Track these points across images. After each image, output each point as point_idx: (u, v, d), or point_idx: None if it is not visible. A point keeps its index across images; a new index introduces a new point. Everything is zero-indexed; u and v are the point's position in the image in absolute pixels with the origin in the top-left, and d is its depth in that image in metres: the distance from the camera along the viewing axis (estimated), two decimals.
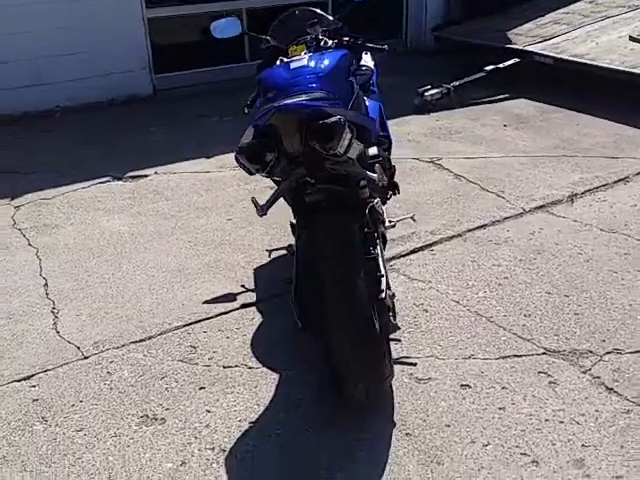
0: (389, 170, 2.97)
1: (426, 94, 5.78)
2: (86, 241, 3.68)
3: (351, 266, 2.14)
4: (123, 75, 6.18)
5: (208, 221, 3.82)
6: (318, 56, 2.71)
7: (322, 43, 2.99)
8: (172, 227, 3.78)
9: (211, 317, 2.92)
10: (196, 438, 2.24)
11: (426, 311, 2.94)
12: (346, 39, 3.10)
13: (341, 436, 2.24)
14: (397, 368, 2.52)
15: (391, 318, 2.39)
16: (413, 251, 3.46)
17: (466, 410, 2.34)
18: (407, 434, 2.24)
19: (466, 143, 5.03)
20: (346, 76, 2.73)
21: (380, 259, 2.44)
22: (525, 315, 2.88)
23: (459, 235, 3.62)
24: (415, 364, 2.58)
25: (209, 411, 2.36)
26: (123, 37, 6.11)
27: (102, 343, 2.77)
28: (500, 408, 2.34)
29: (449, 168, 4.55)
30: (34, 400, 2.45)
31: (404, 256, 3.42)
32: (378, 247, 2.49)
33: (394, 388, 2.44)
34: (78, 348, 2.75)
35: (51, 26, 5.79)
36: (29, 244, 3.67)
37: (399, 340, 2.71)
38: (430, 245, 3.52)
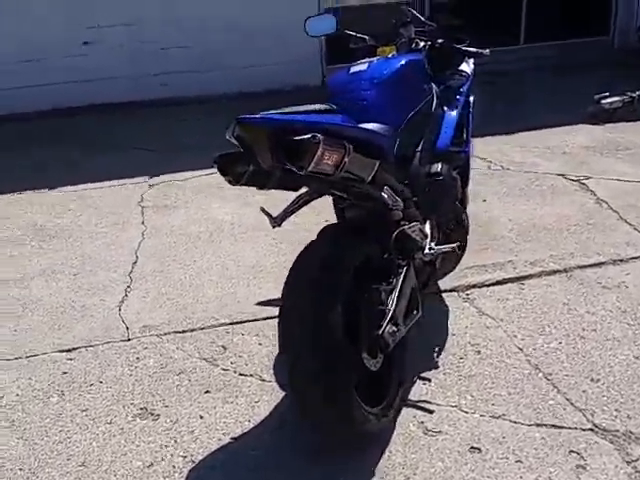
0: (458, 190, 2.68)
1: (603, 102, 5.14)
2: (190, 226, 3.84)
3: (318, 293, 1.95)
4: (293, 64, 6.31)
5: (302, 220, 3.77)
6: (381, 61, 2.53)
7: (414, 45, 2.78)
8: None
9: (255, 320, 2.89)
10: (175, 442, 2.23)
11: (478, 353, 2.62)
12: (440, 41, 2.84)
13: (313, 468, 2.09)
14: (410, 412, 2.30)
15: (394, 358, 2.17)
16: (500, 282, 3.10)
17: (460, 478, 2.05)
18: None
19: (629, 163, 4.38)
20: (411, 83, 2.50)
21: (397, 291, 2.20)
22: (592, 379, 2.44)
23: (564, 271, 3.16)
24: (432, 412, 2.31)
25: (201, 417, 2.34)
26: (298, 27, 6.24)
27: (149, 328, 2.88)
28: None
29: (594, 190, 4.00)
30: (63, 373, 2.62)
31: (487, 286, 3.08)
32: (402, 276, 2.25)
33: (396, 433, 2.22)
34: (127, 329, 2.88)
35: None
36: (142, 222, 3.93)
37: (429, 380, 2.46)
38: (523, 278, 3.12)
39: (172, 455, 2.18)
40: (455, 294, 3.03)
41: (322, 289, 1.94)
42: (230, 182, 1.87)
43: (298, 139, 1.74)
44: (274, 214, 2.28)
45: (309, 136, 1.75)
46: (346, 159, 1.90)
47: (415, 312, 2.37)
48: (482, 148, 4.85)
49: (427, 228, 2.49)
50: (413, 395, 2.40)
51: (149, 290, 3.19)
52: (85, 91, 6.18)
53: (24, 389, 2.53)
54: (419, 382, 2.46)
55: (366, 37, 2.97)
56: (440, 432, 2.23)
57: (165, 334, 2.83)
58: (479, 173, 4.41)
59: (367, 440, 2.17)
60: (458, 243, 2.65)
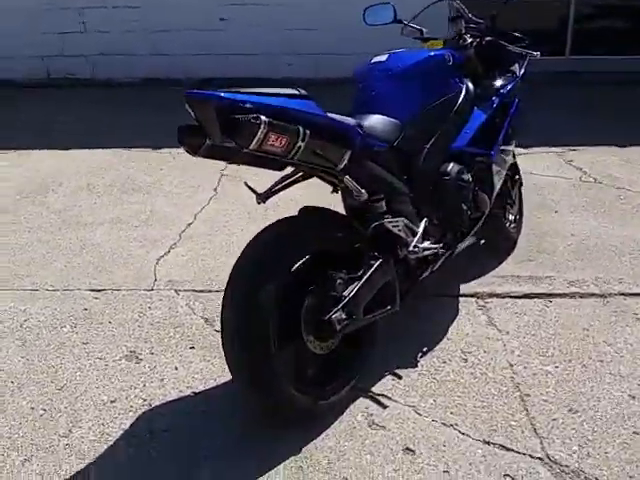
0: (468, 193, 2.60)
1: None
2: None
3: (251, 277, 2.00)
4: None
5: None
6: (401, 54, 2.52)
7: (461, 41, 2.73)
8: None
9: None
10: (144, 386, 2.41)
11: (465, 360, 2.54)
12: (488, 39, 2.76)
13: (248, 437, 2.17)
14: (364, 403, 2.31)
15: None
16: (526, 295, 2.95)
17: (381, 474, 2.03)
18: (300, 467, 2.07)
19: None
20: (428, 78, 2.47)
21: (362, 281, 2.20)
22: (570, 410, 2.28)
23: (602, 295, 2.94)
24: (386, 407, 2.30)
25: (176, 368, 2.50)
26: None
27: (172, 283, 3.09)
28: None
29: None
30: (84, 309, 2.90)
31: (511, 297, 2.94)
32: (372, 268, 2.24)
33: (340, 419, 2.24)
34: (154, 281, 3.12)
35: None
36: (214, 189, 4.18)
37: (399, 377, 2.44)
38: (553, 295, 2.95)
39: (135, 397, 2.36)
40: (473, 300, 2.93)
41: (255, 274, 2.00)
42: (188, 152, 1.97)
43: (238, 117, 1.80)
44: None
45: (251, 116, 1.81)
46: (300, 143, 1.93)
47: (389, 307, 2.36)
48: (582, 157, 4.59)
49: (420, 226, 2.44)
50: (377, 387, 2.39)
51: (190, 249, 3.41)
52: (219, 64, 6.57)
53: (47, 317, 2.85)
54: (390, 377, 2.45)
55: (423, 29, 2.95)
56: (383, 427, 2.21)
57: (183, 290, 3.03)
58: (568, 183, 4.18)
59: (311, 418, 2.21)
60: (444, 251, 2.57)
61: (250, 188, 2.32)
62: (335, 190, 2.40)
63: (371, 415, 2.27)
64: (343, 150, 2.07)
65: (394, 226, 2.31)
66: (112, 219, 3.80)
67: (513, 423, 2.23)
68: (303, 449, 2.12)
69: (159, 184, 4.27)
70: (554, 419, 2.24)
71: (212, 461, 2.08)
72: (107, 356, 2.59)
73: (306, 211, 2.27)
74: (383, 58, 2.54)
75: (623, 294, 2.95)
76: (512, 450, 2.11)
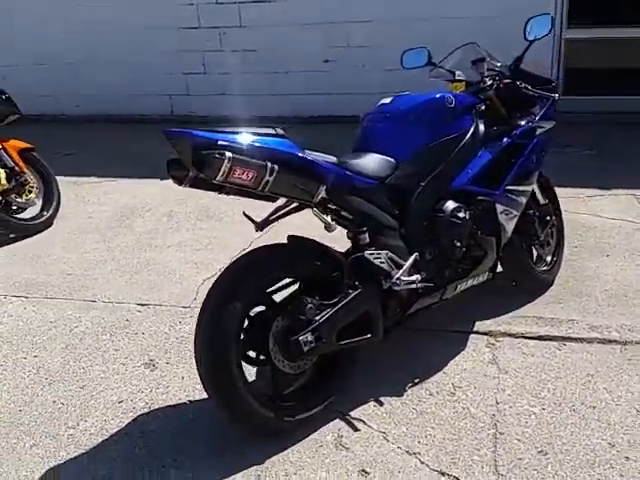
0: (464, 232, 2.65)
1: None
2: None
3: (224, 290, 2.21)
4: None
5: None
6: (404, 97, 2.66)
7: (481, 84, 2.84)
8: None
9: None
10: (150, 391, 2.68)
11: (452, 394, 2.57)
12: (507, 81, 2.83)
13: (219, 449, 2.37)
14: (339, 425, 2.43)
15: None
16: (541, 337, 2.91)
17: None
18: (258, 476, 2.22)
19: None
20: (426, 119, 2.59)
21: (336, 308, 2.34)
22: (540, 451, 2.25)
23: (622, 343, 2.84)
24: (358, 430, 2.40)
25: (182, 378, 2.75)
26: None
27: None
28: None
29: None
30: (126, 320, 3.25)
31: (525, 338, 2.91)
32: (350, 297, 2.37)
33: (310, 437, 2.37)
34: (194, 299, 3.42)
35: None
36: None
37: (380, 403, 2.52)
38: (570, 339, 2.88)
39: (140, 400, 2.64)
40: (485, 337, 2.94)
41: (225, 292, 2.21)
42: (175, 183, 2.23)
43: (204, 152, 2.05)
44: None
45: (216, 152, 2.04)
46: (268, 178, 2.14)
47: (369, 335, 2.47)
48: None
49: (408, 260, 2.52)
50: (356, 411, 2.49)
51: None
52: (324, 102, 6.90)
53: (94, 325, 3.23)
54: (372, 403, 2.54)
55: (455, 71, 3.06)
56: (347, 449, 2.31)
57: None
58: (632, 227, 4.02)
59: (278, 432, 2.36)
60: (436, 287, 2.62)
61: (248, 217, 2.53)
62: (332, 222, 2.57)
63: (341, 436, 2.38)
64: (316, 185, 2.25)
65: (375, 258, 2.43)
66: (179, 242, 4.19)
67: (476, 458, 2.25)
68: (267, 460, 2.28)
69: (231, 212, 4.61)
70: (520, 459, 2.23)
71: (182, 461, 2.29)
72: (129, 362, 2.90)
73: (292, 239, 2.45)
74: (387, 100, 2.69)
75: None
76: None
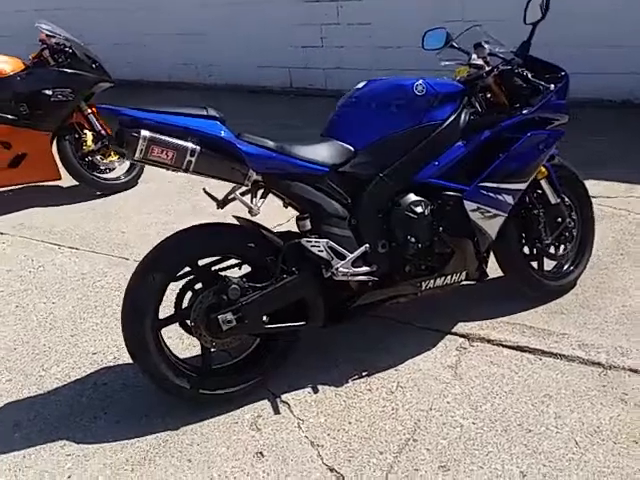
0: (423, 227, 2.53)
1: None
2: None
3: (149, 261, 2.33)
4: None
5: None
6: (376, 82, 2.60)
7: (479, 69, 2.69)
8: None
9: None
10: (122, 347, 2.89)
11: (391, 392, 2.49)
12: (504, 68, 2.65)
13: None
14: (265, 405, 2.48)
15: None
16: (520, 348, 2.70)
17: (218, 469, 2.21)
18: (166, 440, 2.34)
19: None
20: (392, 107, 2.50)
21: (264, 291, 2.36)
22: (442, 467, 2.14)
23: (604, 366, 2.55)
24: (279, 414, 2.43)
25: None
26: None
27: None
28: None
29: None
30: None
31: (502, 346, 2.72)
32: (282, 282, 2.38)
33: (230, 413, 2.44)
34: None
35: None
36: None
37: (315, 391, 2.52)
38: (549, 354, 2.64)
39: (111, 354, 2.86)
40: (459, 340, 2.79)
41: (149, 264, 2.33)
42: (123, 157, 2.36)
43: (123, 130, 2.16)
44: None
45: (133, 130, 2.14)
46: (190, 158, 2.20)
47: (303, 322, 2.47)
48: None
49: (355, 251, 2.46)
50: (288, 394, 2.50)
51: None
52: None
53: (114, 280, 3.51)
54: (309, 389, 2.54)
55: (472, 54, 2.88)
56: (259, 430, 2.35)
57: None
58: None
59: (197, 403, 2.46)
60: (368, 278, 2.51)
61: (209, 194, 2.61)
62: (286, 205, 2.58)
63: (259, 417, 2.42)
64: (243, 168, 2.27)
65: (312, 246, 2.40)
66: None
67: (373, 461, 2.19)
68: (182, 428, 2.39)
69: None
70: (416, 469, 2.14)
71: (111, 415, 2.48)
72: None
73: (238, 219, 2.50)
74: (360, 85, 2.61)
75: (632, 370, 2.51)
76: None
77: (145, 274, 2.32)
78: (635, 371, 2.51)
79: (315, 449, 2.25)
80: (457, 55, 2.87)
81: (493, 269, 2.94)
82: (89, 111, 4.74)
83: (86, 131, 4.73)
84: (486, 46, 2.69)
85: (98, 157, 4.81)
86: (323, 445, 2.27)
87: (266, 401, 2.49)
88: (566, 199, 2.99)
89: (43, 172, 4.69)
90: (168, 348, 2.43)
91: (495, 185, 2.58)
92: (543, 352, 2.66)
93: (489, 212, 2.60)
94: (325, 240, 2.42)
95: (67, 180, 4.82)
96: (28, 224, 4.40)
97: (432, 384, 2.53)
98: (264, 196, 2.45)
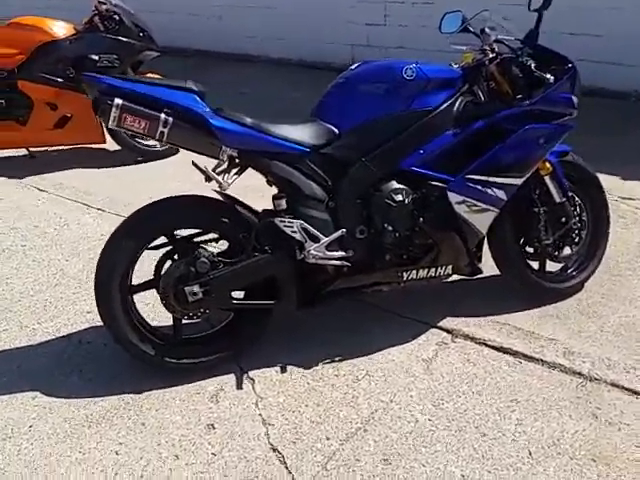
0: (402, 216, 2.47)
1: None
2: None
3: (122, 230, 2.40)
4: None
5: None
6: (368, 64, 2.56)
7: (484, 55, 2.60)
8: None
9: None
10: None
11: (356, 381, 2.46)
12: (506, 56, 2.55)
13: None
14: (230, 379, 2.50)
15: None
16: (501, 349, 2.61)
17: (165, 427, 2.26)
18: (127, 404, 2.41)
19: None
20: (379, 89, 2.46)
21: (234, 267, 2.38)
22: (385, 460, 2.10)
23: (585, 377, 2.43)
24: (241, 389, 2.45)
25: (150, 304, 3.00)
26: None
27: None
28: None
29: None
30: None
31: (485, 345, 2.63)
32: (251, 259, 2.39)
33: (192, 384, 2.47)
34: None
35: None
36: None
37: (284, 369, 2.52)
38: (530, 358, 2.54)
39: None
40: (443, 334, 2.72)
41: (122, 230, 2.38)
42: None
43: (98, 98, 2.20)
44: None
45: (107, 98, 2.18)
46: (162, 129, 2.23)
47: (273, 301, 2.47)
48: None
49: (330, 234, 2.43)
50: (254, 371, 2.52)
51: None
52: None
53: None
54: (278, 367, 2.54)
55: (491, 37, 2.76)
56: (217, 403, 2.38)
57: None
58: None
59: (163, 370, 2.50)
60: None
61: (198, 167, 2.62)
62: (269, 182, 2.57)
63: (221, 390, 2.45)
64: (216, 143, 2.28)
65: (286, 226, 2.38)
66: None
67: (318, 446, 2.18)
68: (145, 392, 2.44)
69: None
70: (357, 459, 2.11)
71: (85, 372, 2.57)
72: None
73: (217, 193, 2.51)
74: (354, 66, 2.55)
75: (613, 384, 2.38)
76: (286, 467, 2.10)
77: (117, 240, 2.37)
78: (616, 385, 2.37)
79: (265, 427, 2.26)
80: (471, 40, 2.76)
81: (493, 266, 2.85)
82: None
83: None
84: (491, 33, 2.57)
85: None
86: (274, 424, 2.27)
87: (232, 375, 2.51)
88: (576, 199, 2.84)
89: (87, 135, 4.86)
90: (138, 313, 2.49)
91: (484, 178, 2.48)
92: (525, 356, 2.56)
93: (477, 206, 2.50)
94: (299, 221, 2.40)
95: (111, 144, 4.96)
96: (67, 184, 4.58)
97: (400, 376, 2.48)
98: (241, 172, 2.45)
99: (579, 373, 2.45)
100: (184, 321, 2.50)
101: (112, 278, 2.36)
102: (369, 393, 2.40)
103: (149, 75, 4.96)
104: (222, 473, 2.08)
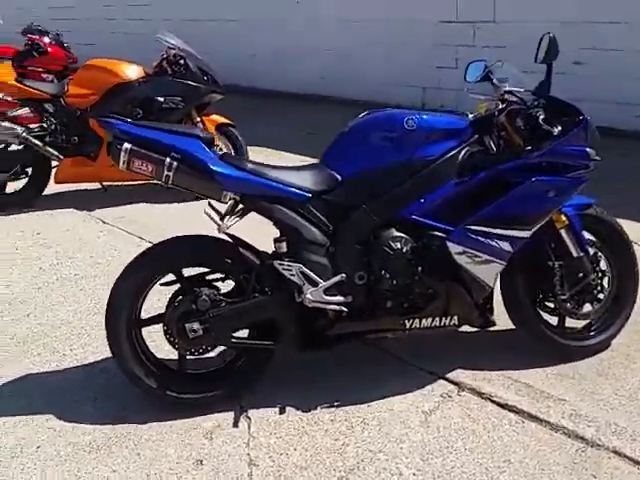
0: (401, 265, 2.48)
1: None
2: None
3: (129, 269, 2.52)
4: None
5: None
6: (372, 114, 2.59)
7: (495, 106, 2.62)
8: None
9: None
10: None
11: (351, 428, 2.47)
12: (515, 107, 2.54)
13: None
14: (228, 417, 2.57)
15: None
16: (506, 406, 2.54)
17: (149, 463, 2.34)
18: (118, 435, 2.52)
19: None
20: (379, 140, 2.51)
21: (233, 306, 2.47)
22: None
23: (587, 442, 2.32)
24: (237, 427, 2.51)
25: None
26: None
27: None
28: None
29: None
30: None
31: (490, 401, 2.57)
32: (250, 300, 2.47)
33: (190, 419, 2.55)
34: None
35: None
36: None
37: (283, 412, 2.56)
38: (534, 418, 2.46)
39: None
40: (449, 386, 2.67)
41: (130, 268, 2.52)
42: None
43: (110, 142, 2.37)
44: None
45: (117, 142, 2.35)
46: (167, 172, 2.37)
47: (272, 342, 2.53)
48: None
49: (329, 279, 2.47)
50: (254, 410, 2.57)
51: None
52: None
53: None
54: (277, 407, 2.58)
55: (502, 87, 2.76)
56: (210, 440, 2.44)
57: None
58: None
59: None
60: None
61: (209, 216, 2.65)
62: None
63: (217, 426, 2.51)
64: (217, 187, 2.39)
65: (284, 269, 2.44)
66: None
67: None
68: (145, 424, 2.53)
69: None
70: None
71: (103, 397, 2.71)
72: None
73: (225, 235, 2.61)
74: (361, 115, 2.61)
75: (615, 452, 2.26)
76: None
77: (126, 277, 2.51)
78: (618, 453, 2.26)
79: (250, 468, 2.30)
80: (491, 90, 2.75)
81: None
82: (198, 119, 5.11)
83: None
84: (500, 84, 2.56)
85: None
86: (259, 465, 2.31)
87: (232, 413, 2.57)
88: (599, 253, 2.74)
89: None
90: (146, 347, 2.60)
91: (486, 229, 2.45)
92: (530, 415, 2.48)
93: (479, 257, 2.47)
94: (298, 265, 2.45)
95: None
96: (128, 217, 4.85)
97: (396, 427, 2.46)
98: (244, 214, 2.53)
99: (581, 437, 2.35)
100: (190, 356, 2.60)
101: (119, 315, 2.49)
102: (360, 442, 2.39)
103: (213, 117, 5.22)
104: None
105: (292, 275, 2.45)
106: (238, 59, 9.03)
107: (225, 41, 9.25)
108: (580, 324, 2.81)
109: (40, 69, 7.46)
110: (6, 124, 4.93)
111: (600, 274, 2.73)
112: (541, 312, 2.77)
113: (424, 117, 2.48)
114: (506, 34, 6.56)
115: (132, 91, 4.99)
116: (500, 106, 2.54)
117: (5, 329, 3.29)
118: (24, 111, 5.08)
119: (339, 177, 2.49)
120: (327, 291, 2.48)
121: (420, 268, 2.48)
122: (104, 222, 4.79)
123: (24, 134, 4.95)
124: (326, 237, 2.50)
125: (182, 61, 5.01)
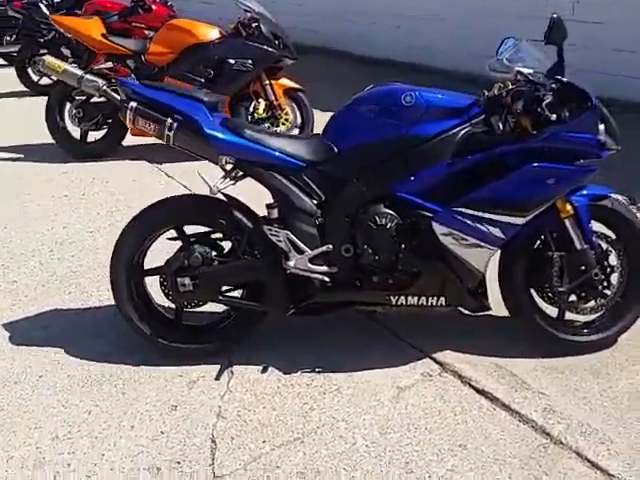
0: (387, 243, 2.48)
1: None
2: None
3: (132, 222, 2.68)
4: None
5: None
6: (377, 87, 2.62)
7: (505, 87, 2.56)
8: None
9: None
10: None
11: (323, 394, 2.53)
12: (521, 89, 2.46)
13: None
14: (211, 369, 2.70)
15: None
16: (482, 392, 2.51)
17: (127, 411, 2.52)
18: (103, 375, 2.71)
19: None
20: (378, 114, 2.52)
21: (225, 264, 2.58)
22: (300, 474, 2.17)
23: (552, 439, 2.26)
24: (217, 380, 2.63)
25: None
26: None
27: None
28: None
29: None
30: None
31: (467, 385, 2.55)
32: (237, 260, 2.57)
33: (176, 367, 2.71)
34: None
35: None
36: None
37: (265, 370, 2.67)
38: (506, 408, 2.42)
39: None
40: (433, 365, 2.66)
41: (130, 226, 2.67)
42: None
43: (121, 100, 2.52)
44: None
45: (124, 100, 2.49)
46: (168, 133, 2.49)
47: (257, 303, 2.63)
48: None
49: (315, 248, 2.51)
50: (240, 366, 2.68)
51: None
52: None
53: None
54: (262, 365, 2.69)
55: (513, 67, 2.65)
56: (191, 389, 2.58)
57: None
58: None
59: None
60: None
61: (203, 179, 2.73)
62: None
63: (202, 377, 2.64)
64: (213, 151, 2.49)
65: (272, 235, 2.50)
66: None
67: (251, 446, 2.29)
68: (130, 367, 2.70)
69: None
70: (278, 466, 2.20)
71: (111, 337, 2.92)
72: None
73: (224, 195, 2.69)
74: (367, 88, 2.60)
75: (577, 452, 2.19)
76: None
77: (128, 229, 2.68)
78: (579, 455, 2.19)
79: (216, 419, 2.42)
80: (501, 67, 2.65)
81: None
82: (267, 82, 5.21)
83: (260, 100, 5.22)
84: (512, 64, 2.45)
85: (267, 125, 5.27)
86: (226, 418, 2.43)
87: (219, 366, 2.70)
88: (609, 248, 2.60)
89: None
90: (146, 294, 2.76)
91: (475, 213, 2.39)
92: (502, 404, 2.44)
93: (466, 240, 2.42)
94: (286, 232, 2.51)
95: None
96: (191, 172, 5.03)
97: (367, 399, 2.50)
98: (240, 179, 2.61)
99: (547, 433, 2.29)
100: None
101: (119, 260, 2.67)
102: (327, 408, 2.45)
103: (282, 81, 5.29)
104: (158, 451, 2.29)
105: (279, 241, 2.51)
106: (356, 28, 9.02)
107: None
108: (582, 318, 2.69)
109: (143, 25, 7.81)
110: (89, 76, 5.23)
111: (608, 269, 2.59)
112: (543, 303, 2.68)
113: (423, 93, 2.44)
114: (608, 8, 6.13)
115: (205, 52, 5.16)
116: (510, 86, 2.45)
117: (49, 267, 3.59)
118: (107, 65, 5.37)
119: (336, 149, 2.51)
120: (313, 260, 2.53)
121: (404, 246, 2.46)
122: (168, 175, 5.02)
123: (104, 87, 5.23)
124: (317, 207, 2.53)
125: (255, 24, 5.10)
